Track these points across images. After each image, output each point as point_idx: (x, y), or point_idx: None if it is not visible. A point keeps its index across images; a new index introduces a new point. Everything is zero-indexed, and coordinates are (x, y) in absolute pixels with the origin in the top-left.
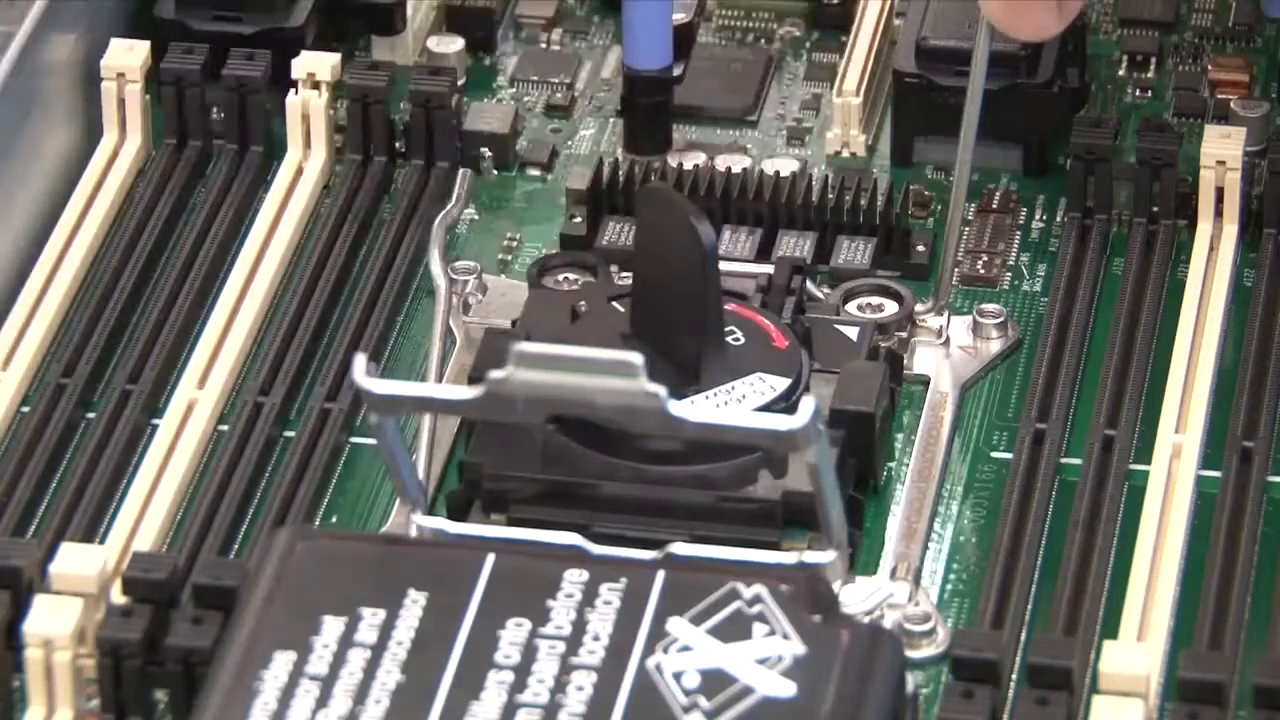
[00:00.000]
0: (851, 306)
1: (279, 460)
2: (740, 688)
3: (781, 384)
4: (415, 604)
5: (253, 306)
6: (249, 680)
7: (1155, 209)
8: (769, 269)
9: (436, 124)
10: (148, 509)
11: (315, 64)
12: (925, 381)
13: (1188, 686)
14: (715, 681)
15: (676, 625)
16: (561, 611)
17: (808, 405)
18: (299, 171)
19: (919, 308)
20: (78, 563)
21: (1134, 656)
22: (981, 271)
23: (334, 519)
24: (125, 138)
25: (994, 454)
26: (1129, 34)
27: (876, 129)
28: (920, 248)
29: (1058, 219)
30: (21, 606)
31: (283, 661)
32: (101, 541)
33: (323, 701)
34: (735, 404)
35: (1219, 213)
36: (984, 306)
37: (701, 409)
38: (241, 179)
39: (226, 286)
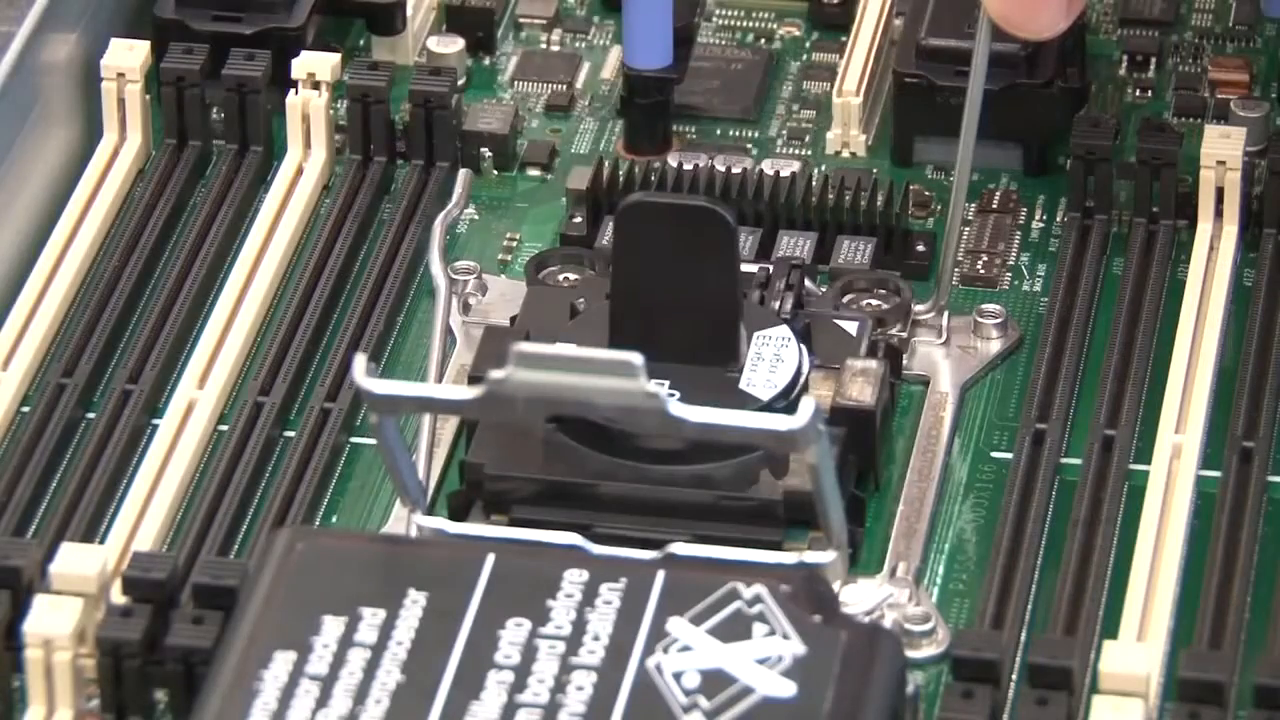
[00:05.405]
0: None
1: (279, 460)
2: (740, 688)
3: (784, 332)
4: (415, 604)
5: (253, 306)
6: (249, 680)
7: (1155, 209)
8: (768, 268)
9: (436, 124)
10: (148, 509)
11: (315, 64)
12: (925, 382)
13: (1188, 686)
14: (715, 681)
15: (676, 625)
16: (561, 611)
17: (808, 405)
18: (299, 171)
19: (919, 308)
20: (78, 563)
21: (1134, 656)
22: (981, 271)
23: (334, 519)
24: (125, 138)
25: (994, 454)
26: (1129, 34)
27: (876, 129)
28: (920, 248)
29: (1058, 219)
30: (21, 606)
31: (283, 661)
32: (101, 541)
33: (323, 701)
34: (776, 364)
35: (1219, 213)
36: (984, 306)
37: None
38: (241, 179)
39: (226, 286)
